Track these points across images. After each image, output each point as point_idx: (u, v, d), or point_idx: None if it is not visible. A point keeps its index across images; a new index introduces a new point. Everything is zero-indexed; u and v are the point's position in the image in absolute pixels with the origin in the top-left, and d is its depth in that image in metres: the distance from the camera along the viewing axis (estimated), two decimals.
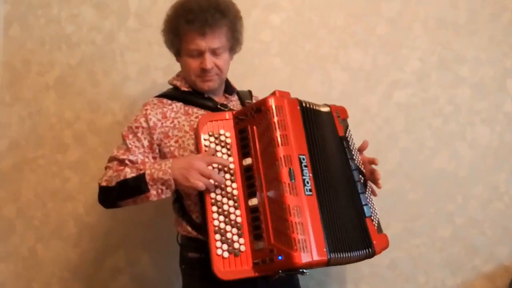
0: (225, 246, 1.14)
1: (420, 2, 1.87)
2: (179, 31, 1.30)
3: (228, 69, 1.40)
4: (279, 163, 1.13)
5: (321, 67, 1.84)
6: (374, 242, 1.23)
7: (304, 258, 1.07)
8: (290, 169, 1.13)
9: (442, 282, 1.86)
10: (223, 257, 1.13)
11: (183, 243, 1.36)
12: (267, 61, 1.84)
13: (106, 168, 1.33)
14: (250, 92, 1.53)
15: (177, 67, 1.84)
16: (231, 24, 1.33)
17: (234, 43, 1.37)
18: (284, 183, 1.11)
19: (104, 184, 1.27)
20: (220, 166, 1.21)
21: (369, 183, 1.39)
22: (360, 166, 1.34)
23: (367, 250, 1.21)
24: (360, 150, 1.39)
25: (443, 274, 1.85)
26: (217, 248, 1.14)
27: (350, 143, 1.35)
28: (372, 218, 1.27)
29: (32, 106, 1.86)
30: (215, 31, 1.28)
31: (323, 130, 1.28)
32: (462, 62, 1.86)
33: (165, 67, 1.85)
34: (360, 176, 1.31)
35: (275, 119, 1.17)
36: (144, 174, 1.20)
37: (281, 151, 1.14)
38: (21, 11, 1.86)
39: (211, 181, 1.18)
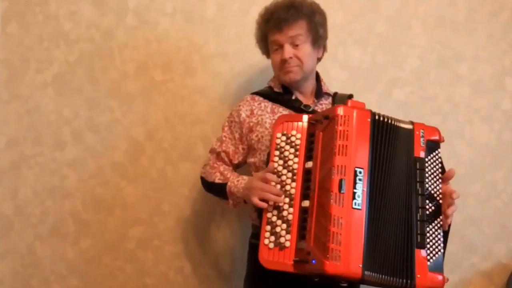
0: (272, 238, 1.21)
1: (419, 0, 1.87)
2: (262, 32, 1.46)
3: (314, 64, 1.48)
4: (332, 172, 1.15)
5: (320, 65, 1.82)
6: (418, 276, 1.14)
7: (334, 268, 1.08)
8: (341, 179, 1.14)
9: None
10: (268, 248, 1.21)
11: (252, 230, 1.50)
12: (266, 59, 1.83)
13: (209, 155, 1.55)
14: (350, 96, 1.54)
15: (173, 65, 1.85)
16: (308, 18, 1.40)
17: (315, 36, 1.42)
18: (332, 192, 1.13)
19: (203, 175, 1.52)
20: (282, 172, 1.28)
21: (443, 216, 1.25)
22: (435, 195, 1.22)
23: (405, 281, 1.14)
24: (444, 179, 1.26)
25: None
26: (265, 238, 1.22)
27: (429, 167, 1.24)
28: (427, 251, 1.18)
29: (30, 103, 1.85)
30: (290, 25, 1.38)
31: (394, 147, 1.23)
32: (461, 60, 1.86)
33: (163, 65, 1.84)
34: (430, 204, 1.21)
35: (339, 128, 1.18)
36: (226, 185, 1.39)
37: (337, 161, 1.15)
38: (19, 8, 1.85)
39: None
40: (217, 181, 1.44)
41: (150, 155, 1.85)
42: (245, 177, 1.39)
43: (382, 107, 1.84)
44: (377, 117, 1.24)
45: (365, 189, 1.16)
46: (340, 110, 1.20)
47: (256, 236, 1.40)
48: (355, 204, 1.14)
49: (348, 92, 1.83)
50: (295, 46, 1.40)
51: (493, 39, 1.87)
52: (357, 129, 1.19)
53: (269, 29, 1.42)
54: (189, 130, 1.85)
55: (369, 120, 1.22)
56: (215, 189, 1.45)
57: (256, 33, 1.50)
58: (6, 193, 1.85)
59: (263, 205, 1.24)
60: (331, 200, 1.12)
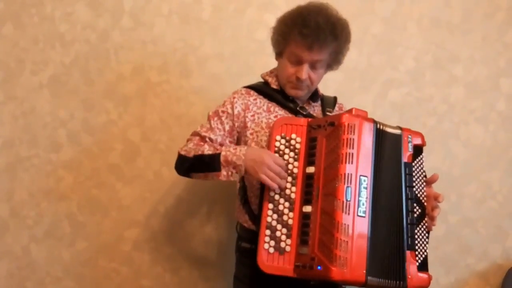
0: (272, 242, 1.21)
1: (415, 2, 1.87)
2: (290, 37, 1.34)
3: (319, 82, 1.45)
4: (339, 180, 1.16)
5: None
6: (409, 276, 1.19)
7: (341, 274, 1.10)
8: (348, 187, 1.15)
9: (436, 280, 1.87)
10: (268, 252, 1.20)
11: (239, 233, 1.46)
12: (262, 60, 1.84)
13: (187, 140, 1.43)
14: (335, 98, 1.55)
15: (169, 66, 1.85)
16: (339, 46, 1.37)
17: (333, 62, 1.42)
18: (339, 200, 1.14)
19: (183, 153, 1.37)
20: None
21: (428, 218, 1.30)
22: (421, 198, 1.28)
23: (398, 282, 1.18)
24: (428, 182, 1.31)
25: (436, 272, 1.86)
26: (265, 242, 1.21)
27: (415, 171, 1.29)
28: (416, 253, 1.22)
29: (25, 105, 1.84)
30: (322, 49, 1.33)
31: (387, 153, 1.26)
32: (456, 61, 1.87)
33: (159, 66, 1.84)
34: (417, 207, 1.26)
35: (345, 136, 1.19)
36: (219, 154, 1.28)
37: (343, 169, 1.16)
38: (14, 10, 1.85)
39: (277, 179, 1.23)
40: (206, 152, 1.31)
41: (146, 156, 1.85)
42: (241, 146, 1.33)
43: (378, 109, 1.85)
44: (378, 125, 1.26)
45: (368, 197, 1.18)
46: (346, 118, 1.21)
47: (247, 240, 1.40)
48: (360, 212, 1.15)
49: (344, 93, 1.85)
50: (313, 68, 1.37)
51: (488, 40, 1.88)
52: (362, 138, 1.21)
53: (299, 41, 1.32)
54: (185, 132, 1.84)
55: (372, 129, 1.24)
56: (204, 161, 1.31)
57: (279, 28, 1.39)
58: (1, 195, 1.84)
59: (272, 184, 1.21)
60: (338, 208, 1.13)
